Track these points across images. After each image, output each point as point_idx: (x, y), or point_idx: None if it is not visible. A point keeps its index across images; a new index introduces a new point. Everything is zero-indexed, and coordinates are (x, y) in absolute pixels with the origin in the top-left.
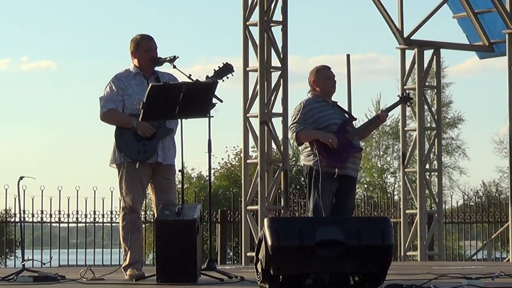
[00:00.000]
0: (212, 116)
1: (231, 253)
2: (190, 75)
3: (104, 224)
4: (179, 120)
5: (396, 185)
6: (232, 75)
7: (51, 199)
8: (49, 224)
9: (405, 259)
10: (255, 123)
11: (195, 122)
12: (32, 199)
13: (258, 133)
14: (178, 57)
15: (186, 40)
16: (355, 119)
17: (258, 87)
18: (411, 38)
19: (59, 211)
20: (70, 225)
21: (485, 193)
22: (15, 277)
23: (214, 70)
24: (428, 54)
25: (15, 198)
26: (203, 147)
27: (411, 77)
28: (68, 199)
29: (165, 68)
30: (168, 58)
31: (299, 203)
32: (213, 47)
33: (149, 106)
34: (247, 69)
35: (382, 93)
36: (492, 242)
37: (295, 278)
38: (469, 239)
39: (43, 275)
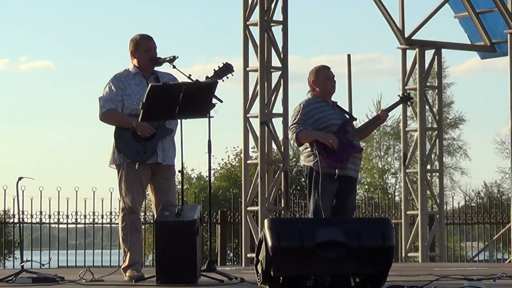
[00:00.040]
0: (212, 117)
1: (231, 254)
2: (190, 75)
3: (104, 225)
4: (179, 121)
5: (397, 186)
6: (232, 75)
7: (50, 200)
8: (48, 225)
9: (406, 261)
10: (255, 123)
11: (195, 122)
12: (31, 199)
13: (258, 134)
14: (177, 57)
15: (186, 40)
16: (355, 119)
17: (258, 87)
18: (412, 38)
19: (58, 212)
20: (69, 226)
21: (487, 194)
22: (14, 278)
23: (214, 70)
24: (429, 54)
25: (14, 199)
26: (203, 147)
27: (412, 77)
28: (67, 200)
29: (164, 68)
30: (168, 58)
31: (299, 204)
32: (213, 47)
33: (148, 106)
34: (247, 69)
35: (383, 93)
36: (494, 243)
37: (296, 280)
38: (471, 240)
39: (42, 276)
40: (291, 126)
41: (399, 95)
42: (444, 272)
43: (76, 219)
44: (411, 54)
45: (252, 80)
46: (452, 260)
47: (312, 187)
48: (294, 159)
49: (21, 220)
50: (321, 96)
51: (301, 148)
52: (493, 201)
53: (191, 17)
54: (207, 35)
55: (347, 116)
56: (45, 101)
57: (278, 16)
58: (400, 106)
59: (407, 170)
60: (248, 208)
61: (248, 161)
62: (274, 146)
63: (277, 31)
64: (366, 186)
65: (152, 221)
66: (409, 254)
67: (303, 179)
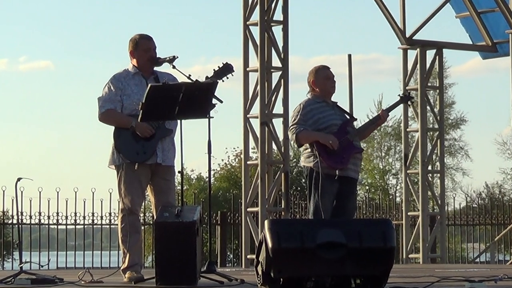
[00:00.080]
0: (212, 117)
1: (231, 256)
2: (189, 75)
3: (103, 226)
4: (179, 121)
5: (398, 187)
6: (232, 75)
7: (49, 201)
8: (47, 226)
9: (407, 262)
10: (256, 124)
11: (195, 122)
12: (30, 200)
13: (258, 134)
14: (177, 57)
15: (186, 40)
16: (356, 119)
17: (258, 87)
18: (414, 38)
19: (57, 213)
20: (68, 227)
21: (488, 195)
22: (13, 279)
23: (214, 70)
24: (430, 54)
25: (12, 200)
26: (203, 148)
27: (413, 78)
28: (66, 201)
29: (164, 68)
30: (168, 58)
31: (300, 205)
32: (213, 47)
33: (148, 107)
34: (248, 69)
35: (384, 93)
36: (495, 244)
37: (296, 281)
38: (472, 242)
39: (41, 277)
40: (291, 127)
41: (399, 95)
42: (445, 273)
43: (75, 220)
44: (412, 54)
45: (252, 80)
46: (454, 261)
47: (312, 188)
48: (295, 159)
49: (20, 221)
50: (321, 96)
51: (301, 149)
52: (495, 202)
53: (191, 17)
54: (207, 35)
55: (347, 117)
56: (44, 101)
57: (278, 16)
58: (401, 106)
59: (408, 171)
60: (248, 209)
61: (248, 162)
62: (274, 146)
63: (277, 31)
64: (367, 187)
65: (151, 222)
66: (410, 256)
67: (303, 180)
